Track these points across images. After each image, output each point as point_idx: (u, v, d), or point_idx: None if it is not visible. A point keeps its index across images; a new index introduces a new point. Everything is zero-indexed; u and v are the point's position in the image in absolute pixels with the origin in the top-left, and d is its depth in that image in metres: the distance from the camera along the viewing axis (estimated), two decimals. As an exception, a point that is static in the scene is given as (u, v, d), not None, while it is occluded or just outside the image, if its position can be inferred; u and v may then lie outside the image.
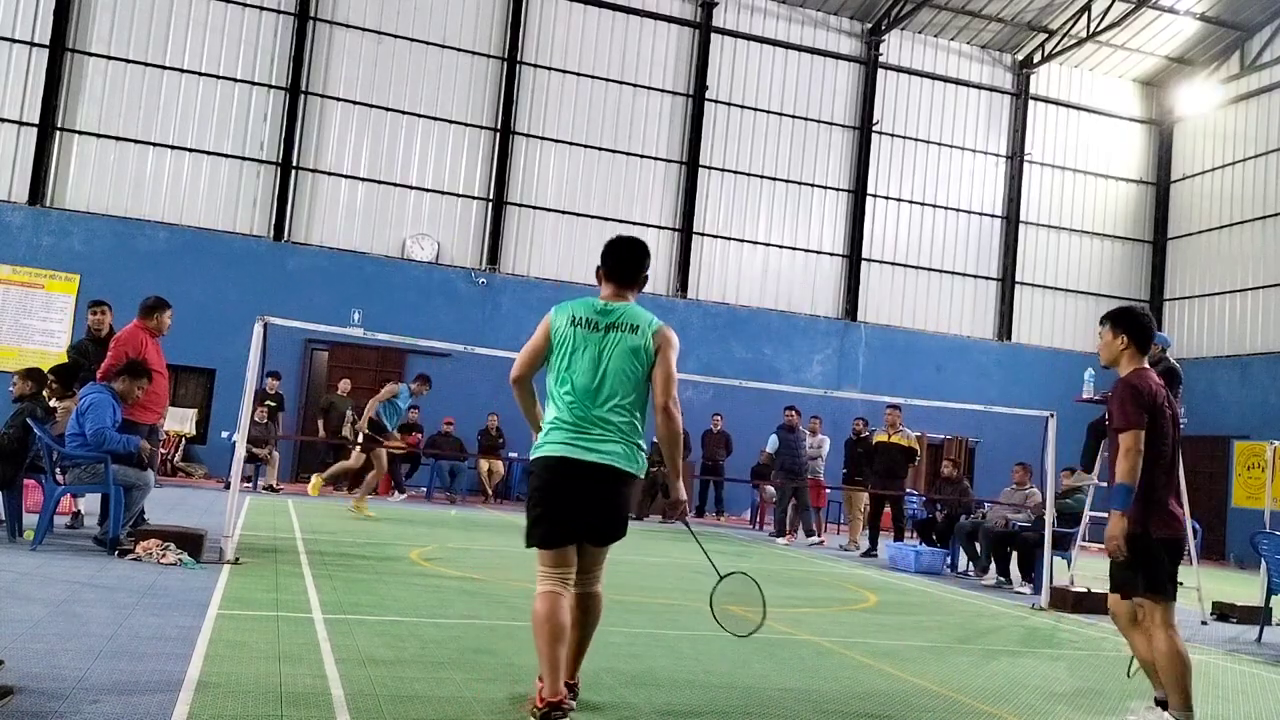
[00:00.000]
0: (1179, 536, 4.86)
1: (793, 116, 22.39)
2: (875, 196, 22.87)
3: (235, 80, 19.24)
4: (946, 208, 23.40)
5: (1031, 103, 24.03)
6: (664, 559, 11.56)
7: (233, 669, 4.46)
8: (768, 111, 22.22)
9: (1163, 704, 4.77)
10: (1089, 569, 11.34)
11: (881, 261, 22.85)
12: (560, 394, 4.21)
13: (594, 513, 4.15)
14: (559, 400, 4.21)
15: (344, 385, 17.65)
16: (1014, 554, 11.60)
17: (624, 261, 4.35)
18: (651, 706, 4.49)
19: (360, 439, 13.36)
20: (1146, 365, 4.98)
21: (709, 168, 21.74)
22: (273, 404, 16.74)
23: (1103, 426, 10.12)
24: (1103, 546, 4.96)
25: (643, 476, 4.24)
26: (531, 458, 4.26)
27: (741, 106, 22.05)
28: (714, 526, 18.10)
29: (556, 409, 4.21)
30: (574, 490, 4.11)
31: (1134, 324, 4.98)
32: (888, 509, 14.92)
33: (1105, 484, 10.05)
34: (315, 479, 13.67)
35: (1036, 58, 23.77)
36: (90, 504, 9.53)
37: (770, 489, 17.48)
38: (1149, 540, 4.75)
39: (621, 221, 21.14)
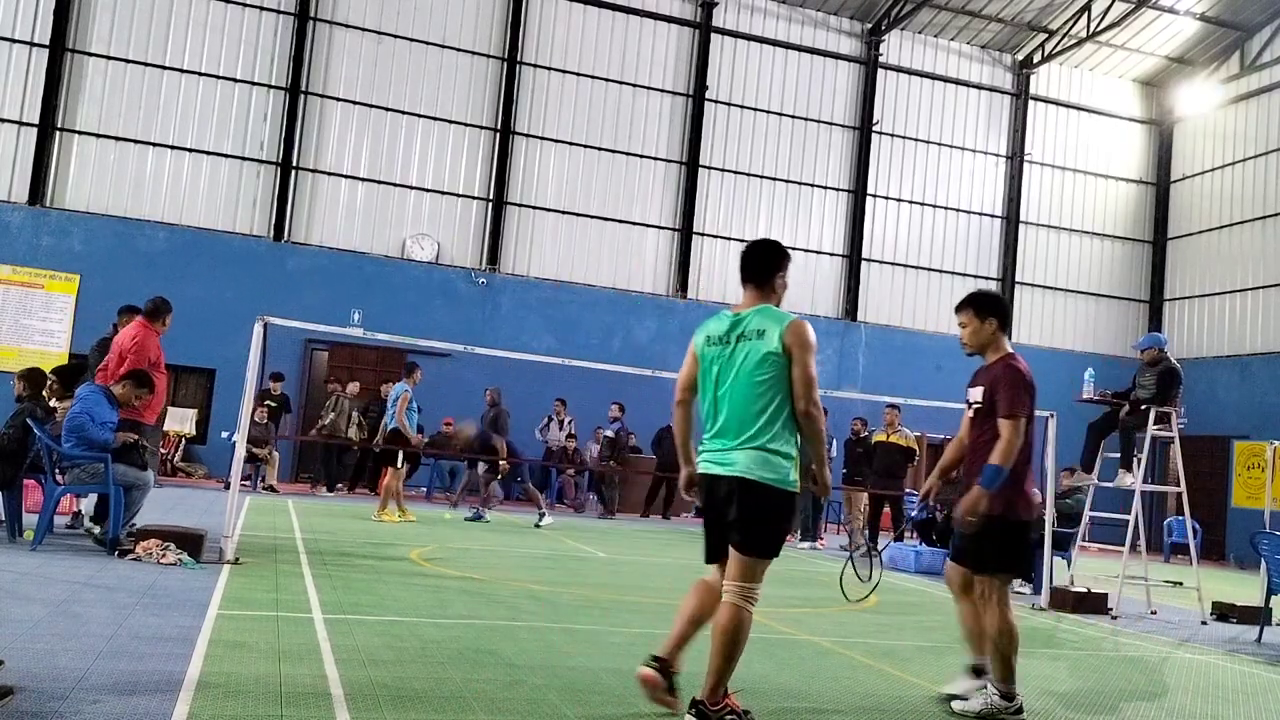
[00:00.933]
0: (1041, 517, 5.03)
1: (793, 116, 22.39)
2: (875, 196, 22.87)
3: (235, 80, 19.24)
4: (946, 208, 23.40)
5: (1031, 103, 24.03)
6: (664, 559, 11.56)
7: (233, 669, 4.45)
8: (768, 111, 22.22)
9: (977, 670, 5.00)
10: (1089, 569, 11.33)
11: (881, 261, 22.85)
12: (704, 411, 4.39)
13: (729, 523, 4.21)
14: (704, 418, 4.39)
15: (352, 388, 17.59)
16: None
17: (751, 260, 4.43)
18: (651, 706, 4.48)
19: (372, 446, 13.52)
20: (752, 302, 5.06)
21: (709, 168, 21.74)
22: (274, 404, 16.74)
23: (1103, 426, 10.17)
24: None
25: (785, 485, 4.16)
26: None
27: (741, 106, 22.05)
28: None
29: (704, 427, 4.39)
30: (713, 504, 4.29)
31: (1000, 306, 5.19)
32: (887, 509, 14.91)
33: (1107, 484, 10.08)
34: (386, 513, 13.25)
35: (1036, 58, 23.77)
36: (87, 504, 9.53)
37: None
38: (1016, 523, 4.90)
39: (621, 221, 21.16)
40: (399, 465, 13.28)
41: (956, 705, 4.85)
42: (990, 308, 5.18)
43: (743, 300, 4.41)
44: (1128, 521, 9.67)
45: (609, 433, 17.23)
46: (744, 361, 4.21)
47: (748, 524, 4.14)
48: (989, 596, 4.91)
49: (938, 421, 20.70)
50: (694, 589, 4.40)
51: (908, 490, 15.87)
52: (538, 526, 13.86)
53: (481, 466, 15.63)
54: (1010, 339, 5.23)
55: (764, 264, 4.42)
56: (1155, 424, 9.60)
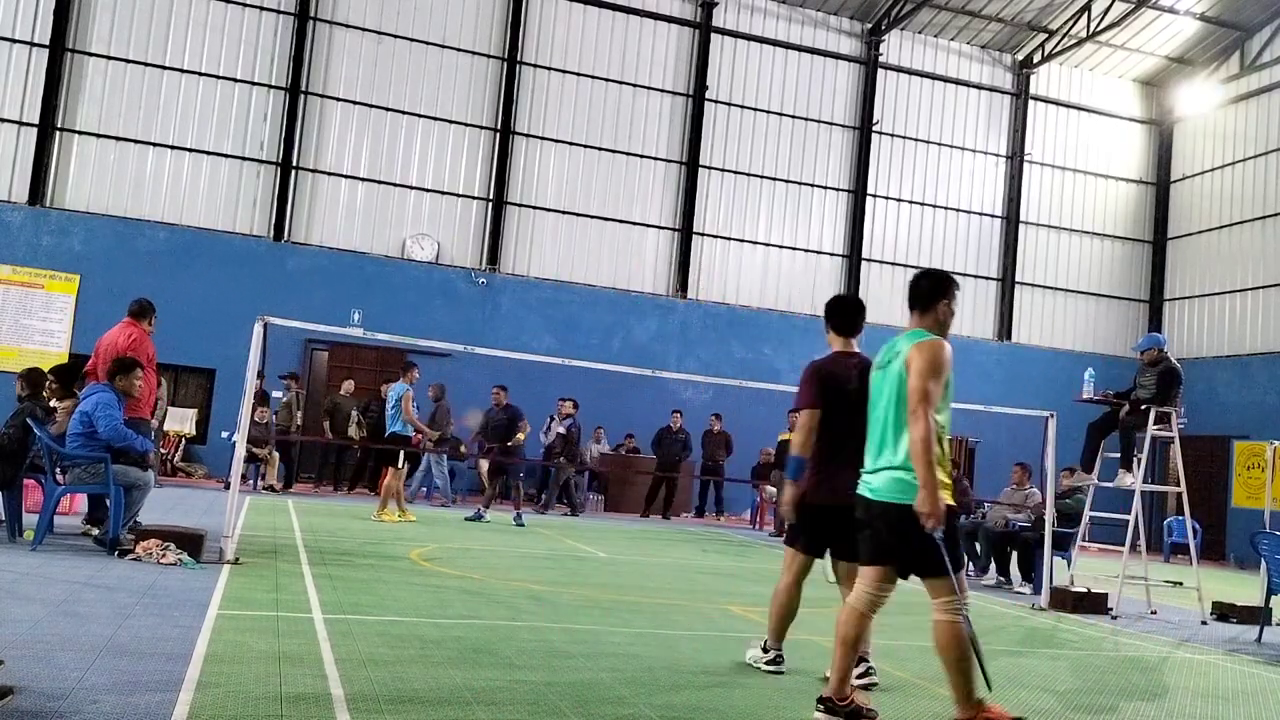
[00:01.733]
0: (836, 503, 5.07)
1: (793, 116, 22.39)
2: (875, 196, 22.87)
3: (235, 80, 19.24)
4: (946, 208, 23.40)
5: (1031, 103, 24.03)
6: (664, 559, 11.56)
7: (233, 669, 4.46)
8: (768, 111, 22.22)
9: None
10: (1089, 569, 11.33)
11: (881, 261, 22.85)
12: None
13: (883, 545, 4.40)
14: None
15: (347, 386, 17.67)
16: (1014, 554, 11.60)
17: (918, 286, 4.55)
18: (651, 706, 4.49)
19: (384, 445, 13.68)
20: (842, 348, 5.54)
21: (709, 168, 21.75)
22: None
23: (1103, 426, 10.17)
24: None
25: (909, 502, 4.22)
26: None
27: (741, 106, 22.05)
28: (714, 526, 18.11)
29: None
30: (862, 525, 4.48)
31: (827, 307, 5.71)
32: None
33: (1107, 484, 10.08)
34: (386, 513, 13.32)
35: (1036, 58, 23.77)
36: (81, 504, 9.55)
37: (770, 489, 17.48)
38: (807, 505, 5.35)
39: (621, 221, 21.16)
40: (399, 465, 13.27)
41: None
42: (825, 310, 5.78)
43: (834, 346, 4.71)
44: (1128, 521, 9.67)
45: (560, 429, 17.10)
46: (888, 385, 4.40)
47: (905, 547, 4.26)
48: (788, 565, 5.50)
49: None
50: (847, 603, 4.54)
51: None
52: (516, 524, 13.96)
53: (484, 465, 15.65)
54: (842, 338, 5.64)
55: (930, 291, 4.48)
56: (1155, 424, 9.60)
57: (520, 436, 14.36)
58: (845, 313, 5.69)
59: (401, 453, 13.31)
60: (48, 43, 18.13)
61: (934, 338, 4.30)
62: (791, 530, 5.54)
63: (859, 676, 5.07)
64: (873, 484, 4.37)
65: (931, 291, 4.48)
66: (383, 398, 17.63)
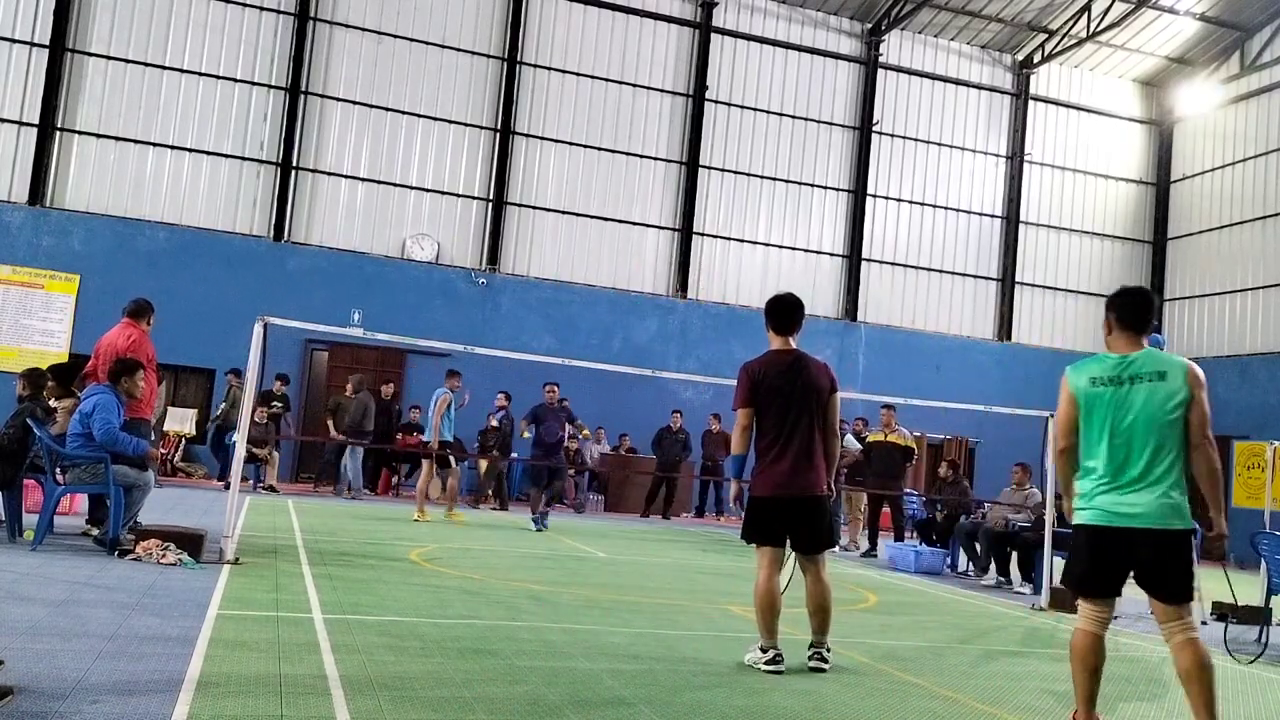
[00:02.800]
0: (774, 496, 5.57)
1: (793, 116, 22.39)
2: (875, 196, 22.87)
3: (235, 80, 19.24)
4: (946, 208, 23.40)
5: (1031, 103, 24.03)
6: (664, 559, 11.56)
7: (233, 669, 4.46)
8: (768, 111, 22.22)
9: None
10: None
11: (881, 261, 22.86)
12: (1094, 455, 4.33)
13: (1149, 575, 4.22)
14: (1094, 462, 4.32)
15: (350, 386, 17.61)
16: (1014, 554, 11.60)
17: (1140, 305, 4.42)
18: (651, 706, 4.49)
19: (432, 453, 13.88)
20: (780, 346, 5.83)
21: (709, 168, 21.75)
22: (279, 405, 16.70)
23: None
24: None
25: (1189, 525, 4.21)
26: (1076, 521, 4.37)
27: (741, 106, 22.05)
28: (714, 526, 18.10)
29: (1096, 471, 4.30)
30: (1116, 552, 4.24)
31: (767, 307, 5.95)
32: (886, 509, 14.91)
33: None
34: (455, 514, 13.82)
35: (1036, 58, 23.77)
36: (81, 504, 9.55)
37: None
38: (749, 496, 5.70)
39: (621, 221, 21.16)
40: (447, 468, 13.77)
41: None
42: (765, 311, 5.96)
43: (1117, 344, 4.41)
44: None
45: (494, 421, 17.03)
46: (1145, 404, 4.21)
47: (1173, 575, 4.16)
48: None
49: (938, 422, 20.75)
50: (1089, 646, 4.30)
51: (906, 490, 15.86)
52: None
53: (484, 466, 15.61)
54: (781, 337, 5.93)
55: (1150, 311, 4.45)
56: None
57: (585, 430, 13.92)
58: (783, 312, 5.91)
59: (436, 456, 13.66)
60: (48, 43, 18.13)
61: (1192, 362, 4.32)
62: (748, 528, 5.73)
63: (769, 662, 5.43)
64: (1136, 508, 4.15)
65: (1152, 310, 4.47)
66: (384, 398, 17.71)
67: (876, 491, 14.32)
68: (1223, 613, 9.95)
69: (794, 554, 5.79)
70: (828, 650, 5.66)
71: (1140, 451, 4.18)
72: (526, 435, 13.80)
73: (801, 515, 5.60)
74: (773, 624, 5.51)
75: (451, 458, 14.15)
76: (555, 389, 13.85)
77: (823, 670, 5.53)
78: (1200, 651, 4.07)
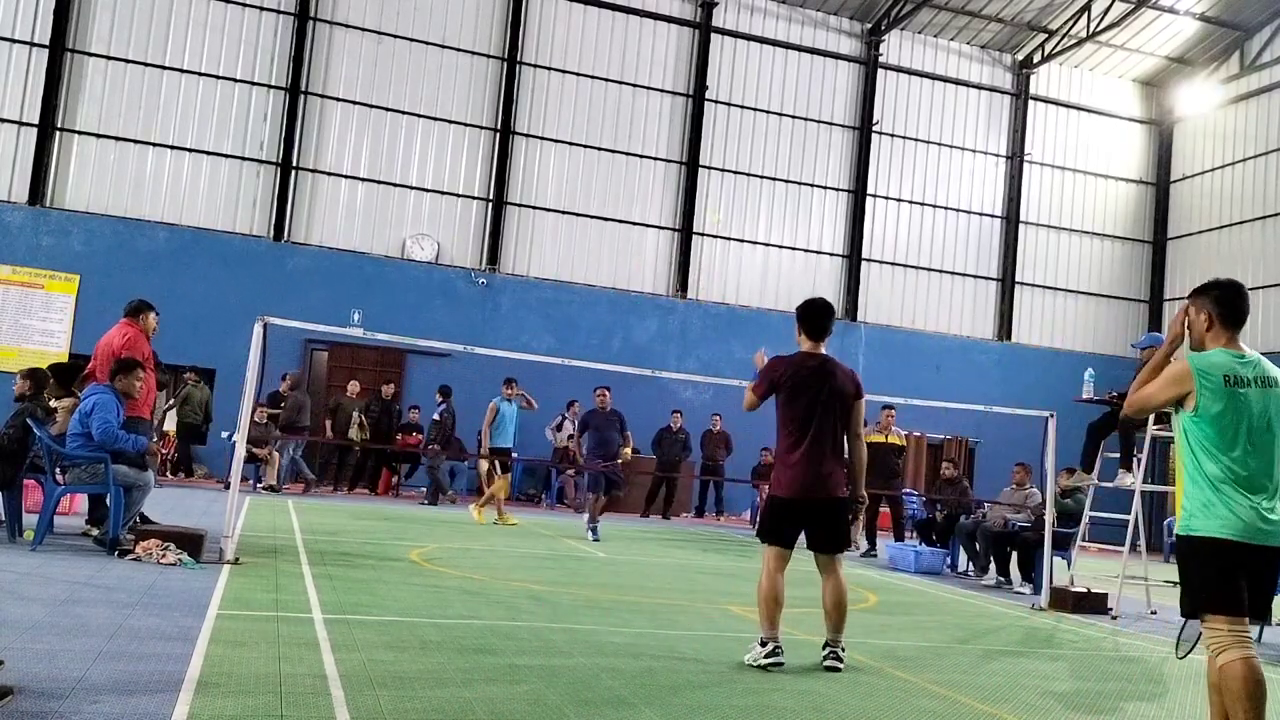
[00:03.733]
0: (793, 497, 5.71)
1: (793, 116, 22.39)
2: (875, 196, 22.87)
3: (235, 80, 19.24)
4: (946, 208, 23.40)
5: (1031, 103, 24.03)
6: (664, 559, 11.56)
7: (233, 669, 4.46)
8: (768, 111, 22.22)
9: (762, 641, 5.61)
10: (1089, 569, 11.34)
11: (881, 261, 22.86)
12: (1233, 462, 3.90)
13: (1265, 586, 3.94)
14: (1230, 470, 3.90)
15: (352, 387, 17.62)
16: (1014, 554, 11.60)
17: (1244, 304, 4.23)
18: (651, 706, 4.49)
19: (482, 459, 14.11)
20: (809, 349, 5.91)
21: (709, 168, 21.75)
22: (285, 407, 16.63)
23: (1103, 426, 10.16)
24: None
25: None
26: (1201, 534, 3.92)
27: (741, 106, 22.05)
28: (714, 526, 18.11)
29: (1223, 480, 3.89)
30: (1259, 565, 3.90)
31: (800, 311, 6.02)
32: (885, 509, 14.92)
33: (1107, 484, 10.08)
34: (475, 509, 14.03)
35: (1036, 58, 23.77)
36: (81, 504, 9.54)
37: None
38: (769, 496, 5.91)
39: (621, 221, 21.16)
40: (502, 472, 14.03)
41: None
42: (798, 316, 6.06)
43: (1219, 341, 4.14)
44: (1128, 521, 9.67)
45: (435, 415, 16.94)
46: (1278, 412, 3.93)
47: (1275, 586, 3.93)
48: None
49: (938, 422, 20.75)
50: (1252, 670, 3.74)
51: (906, 490, 15.86)
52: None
53: (483, 466, 15.54)
54: (812, 341, 5.98)
55: (1248, 307, 4.22)
56: (1155, 424, 9.59)
57: (627, 451, 13.05)
58: (814, 316, 5.96)
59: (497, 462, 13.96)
60: (48, 43, 18.13)
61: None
62: (764, 526, 5.86)
63: (768, 655, 5.49)
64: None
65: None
66: (384, 398, 17.72)
67: (875, 491, 14.31)
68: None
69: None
70: (843, 650, 5.67)
71: (1274, 462, 3.93)
72: (568, 442, 13.62)
73: (820, 517, 5.72)
74: (775, 615, 5.57)
75: (497, 464, 14.15)
76: (607, 393, 12.94)
77: (837, 670, 5.54)
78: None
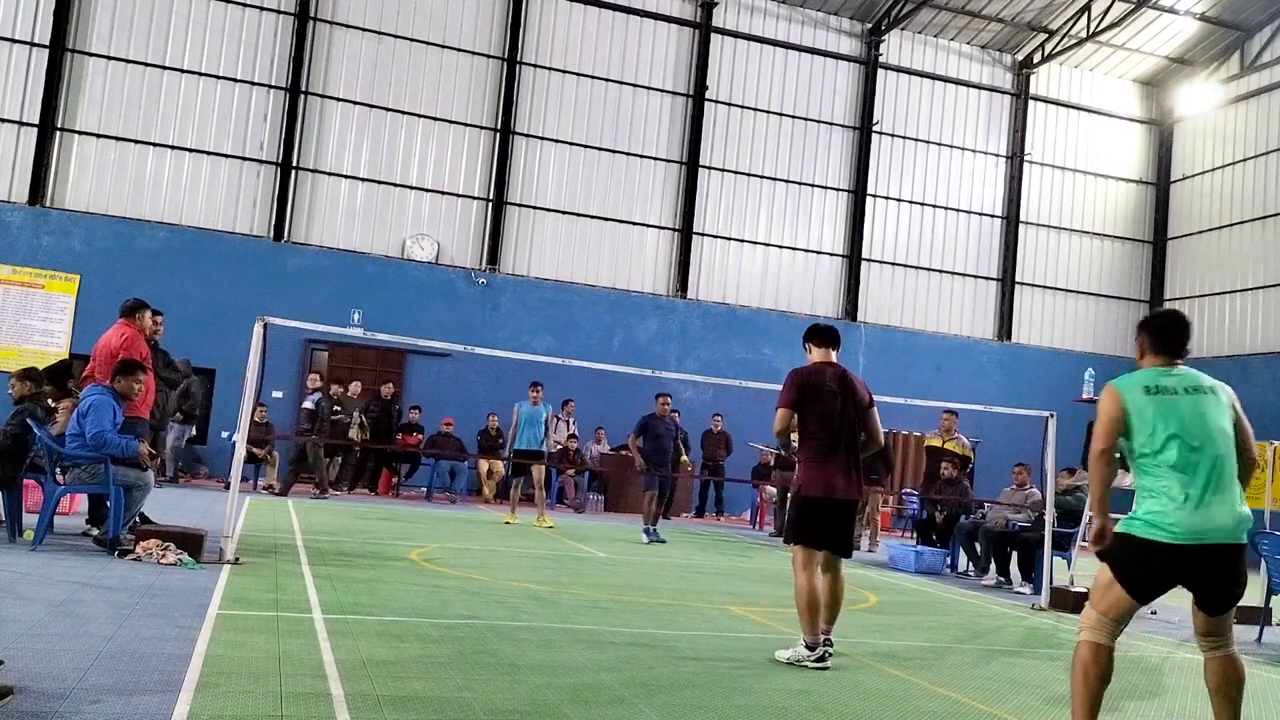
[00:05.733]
0: (827, 497, 5.85)
1: (793, 116, 22.39)
2: (875, 196, 22.87)
3: (235, 80, 19.24)
4: (946, 208, 23.40)
5: (1031, 103, 24.03)
6: (664, 559, 11.56)
7: (233, 669, 4.46)
8: (768, 111, 22.22)
9: (809, 645, 5.74)
10: (1089, 569, 11.31)
11: (881, 261, 22.85)
12: (1174, 464, 4.15)
13: (1219, 587, 4.21)
14: (1180, 472, 4.13)
15: (354, 387, 17.60)
16: (1014, 554, 11.60)
17: (1182, 331, 4.35)
18: (651, 706, 4.49)
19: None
20: (822, 360, 6.24)
21: (709, 168, 21.74)
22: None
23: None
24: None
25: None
26: (1136, 534, 4.23)
27: (741, 106, 22.05)
28: (714, 526, 18.11)
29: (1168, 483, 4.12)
30: (1206, 567, 4.21)
31: (809, 333, 6.40)
32: (885, 510, 14.88)
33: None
34: (542, 517, 13.88)
35: (1036, 58, 23.77)
36: (80, 504, 9.54)
37: (771, 489, 17.49)
38: (801, 498, 5.94)
39: (621, 221, 21.16)
40: (525, 474, 14.04)
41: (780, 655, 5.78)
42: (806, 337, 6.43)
43: (1155, 361, 4.27)
44: (1128, 521, 9.65)
45: (308, 404, 16.41)
46: (1214, 418, 4.11)
47: (1240, 585, 4.17)
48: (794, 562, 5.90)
49: (938, 421, 20.69)
50: (1096, 656, 4.33)
51: (906, 490, 15.86)
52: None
53: (483, 466, 15.54)
54: (822, 349, 6.37)
55: (1188, 334, 4.37)
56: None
57: (685, 459, 13.21)
58: (824, 330, 6.38)
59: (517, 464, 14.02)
60: (48, 43, 18.13)
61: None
62: (798, 528, 5.93)
63: (817, 660, 5.64)
64: (1230, 523, 4.10)
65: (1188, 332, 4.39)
66: (384, 398, 17.73)
67: (936, 497, 14.26)
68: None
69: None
70: (831, 641, 5.87)
71: (1219, 467, 4.22)
72: (616, 447, 13.44)
73: (842, 518, 5.93)
74: (816, 621, 5.73)
75: (533, 466, 14.03)
76: (668, 400, 13.15)
77: (829, 654, 5.76)
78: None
